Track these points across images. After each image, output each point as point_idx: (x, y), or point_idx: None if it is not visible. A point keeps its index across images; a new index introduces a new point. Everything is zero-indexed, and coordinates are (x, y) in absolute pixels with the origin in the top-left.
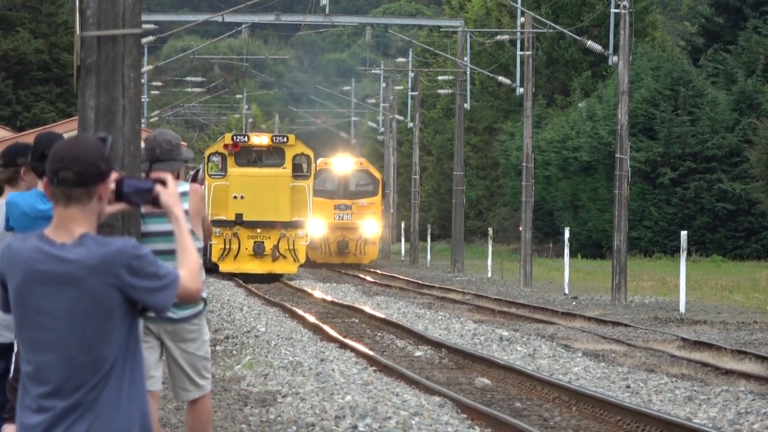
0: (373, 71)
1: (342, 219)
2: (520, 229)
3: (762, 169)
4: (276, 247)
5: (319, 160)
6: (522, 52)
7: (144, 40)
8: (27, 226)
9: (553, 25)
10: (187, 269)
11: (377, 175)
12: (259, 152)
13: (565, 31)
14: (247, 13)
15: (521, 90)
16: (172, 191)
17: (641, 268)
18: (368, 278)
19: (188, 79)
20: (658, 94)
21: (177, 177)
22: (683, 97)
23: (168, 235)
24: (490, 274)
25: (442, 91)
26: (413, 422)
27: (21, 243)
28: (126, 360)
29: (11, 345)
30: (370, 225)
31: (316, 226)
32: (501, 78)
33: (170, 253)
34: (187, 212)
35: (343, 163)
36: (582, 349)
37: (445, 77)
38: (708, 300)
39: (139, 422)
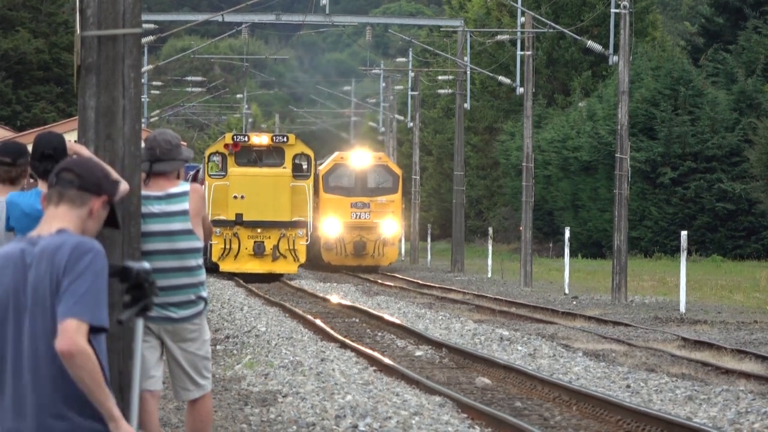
0: (373, 71)
1: (359, 218)
2: (521, 229)
3: (762, 169)
4: (276, 247)
5: (335, 154)
6: (522, 52)
7: (144, 40)
8: (27, 227)
9: (553, 24)
10: (80, 329)
11: (397, 170)
12: (260, 152)
13: (566, 30)
14: (247, 13)
15: (521, 90)
16: None
17: (641, 268)
18: (369, 278)
19: (188, 78)
20: (658, 94)
21: (177, 177)
22: (683, 97)
23: (169, 235)
24: (490, 274)
25: (442, 91)
26: (413, 422)
27: (10, 247)
28: None
29: None
30: (390, 225)
31: (331, 225)
32: (501, 78)
33: (171, 253)
34: (187, 212)
35: (361, 158)
36: (582, 349)
37: (445, 77)
38: (708, 300)
39: None
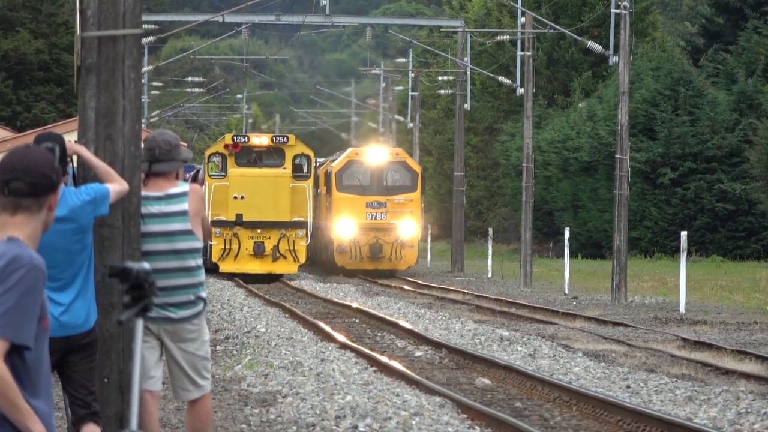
0: (373, 71)
1: (375, 219)
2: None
3: (762, 170)
4: (276, 247)
5: (349, 150)
6: (522, 53)
7: (144, 41)
8: None
9: (553, 25)
10: None
11: (416, 167)
12: (260, 152)
13: (566, 31)
14: (247, 14)
15: (521, 90)
16: None
17: (641, 269)
18: (368, 278)
19: (188, 79)
20: (658, 95)
21: (176, 177)
22: (683, 98)
23: (168, 235)
24: (490, 274)
25: (442, 92)
26: (413, 422)
27: None
28: None
29: None
30: (408, 226)
31: (344, 226)
32: (501, 78)
33: (170, 254)
34: (186, 212)
35: (377, 154)
36: (582, 349)
37: (446, 77)
38: (708, 300)
39: None
